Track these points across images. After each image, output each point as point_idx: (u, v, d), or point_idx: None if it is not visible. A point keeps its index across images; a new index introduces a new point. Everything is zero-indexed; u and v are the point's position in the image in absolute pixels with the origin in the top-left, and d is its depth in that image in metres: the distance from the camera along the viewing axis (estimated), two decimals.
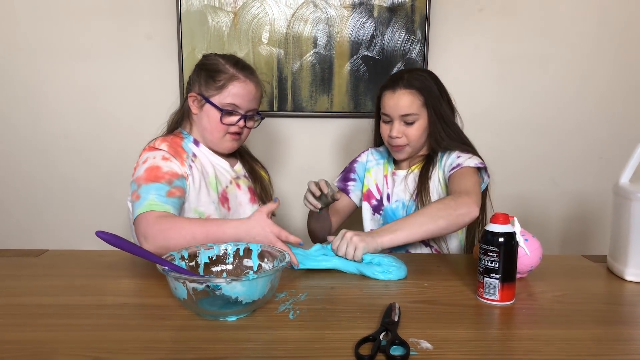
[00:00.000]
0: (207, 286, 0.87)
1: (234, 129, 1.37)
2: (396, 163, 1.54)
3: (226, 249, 1.06)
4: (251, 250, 1.05)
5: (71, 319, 0.91)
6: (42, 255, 1.27)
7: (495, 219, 0.99)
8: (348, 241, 1.17)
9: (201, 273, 1.03)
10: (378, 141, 1.58)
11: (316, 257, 1.17)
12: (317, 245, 1.21)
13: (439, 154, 1.47)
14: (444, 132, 1.43)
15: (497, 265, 0.98)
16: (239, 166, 1.48)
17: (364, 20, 1.88)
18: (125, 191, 1.90)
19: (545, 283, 1.11)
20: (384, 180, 1.52)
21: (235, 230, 1.12)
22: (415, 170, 1.48)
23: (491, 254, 0.98)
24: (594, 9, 1.93)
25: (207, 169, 1.38)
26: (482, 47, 1.94)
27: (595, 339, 0.86)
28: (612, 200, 1.18)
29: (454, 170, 1.38)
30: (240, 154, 1.51)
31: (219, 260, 1.05)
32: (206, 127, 1.37)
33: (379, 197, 1.52)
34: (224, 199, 1.38)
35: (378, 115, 1.49)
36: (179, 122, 1.44)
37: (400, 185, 1.48)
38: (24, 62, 1.89)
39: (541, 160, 2.01)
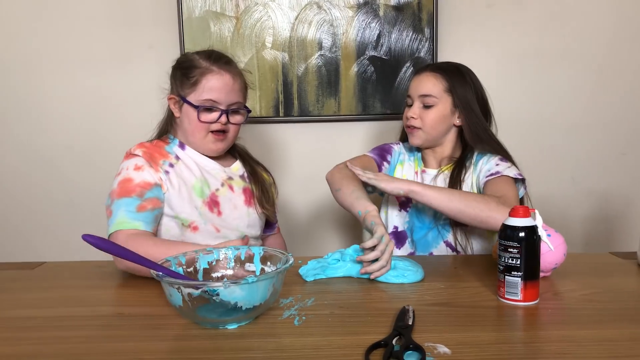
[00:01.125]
0: (204, 291, 0.80)
1: (215, 126, 1.27)
2: (424, 161, 1.47)
3: (227, 254, 0.99)
4: (253, 254, 0.99)
5: (63, 331, 0.85)
6: (39, 268, 1.22)
7: (514, 212, 0.92)
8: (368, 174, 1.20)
9: (200, 279, 0.96)
10: (405, 135, 1.50)
11: (334, 265, 1.10)
12: (337, 253, 1.13)
13: (475, 157, 1.40)
14: (477, 125, 1.37)
15: (518, 262, 0.90)
16: (236, 166, 1.40)
17: (369, 20, 1.83)
18: None
19: (572, 282, 1.03)
20: (414, 176, 1.45)
21: None
22: (446, 171, 1.41)
23: (512, 250, 0.90)
24: (607, 0, 1.86)
25: (194, 172, 1.30)
26: (493, 44, 1.88)
27: (633, 339, 0.78)
28: None
29: (492, 177, 1.31)
30: (240, 155, 1.44)
31: (220, 265, 0.99)
32: (187, 128, 1.29)
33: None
34: (213, 203, 1.30)
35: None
36: (166, 127, 1.37)
37: (431, 184, 1.41)
38: (27, 72, 1.88)
39: (560, 158, 1.93)
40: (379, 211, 1.51)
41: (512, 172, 1.32)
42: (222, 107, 1.27)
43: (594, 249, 1.96)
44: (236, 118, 1.32)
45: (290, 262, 0.89)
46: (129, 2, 1.84)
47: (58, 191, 1.93)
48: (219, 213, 1.30)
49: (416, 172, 1.46)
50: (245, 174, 1.41)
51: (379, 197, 1.53)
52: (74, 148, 1.91)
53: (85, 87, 1.88)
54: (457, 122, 1.39)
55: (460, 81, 1.37)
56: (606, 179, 1.94)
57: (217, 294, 0.80)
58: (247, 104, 1.37)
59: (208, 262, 0.98)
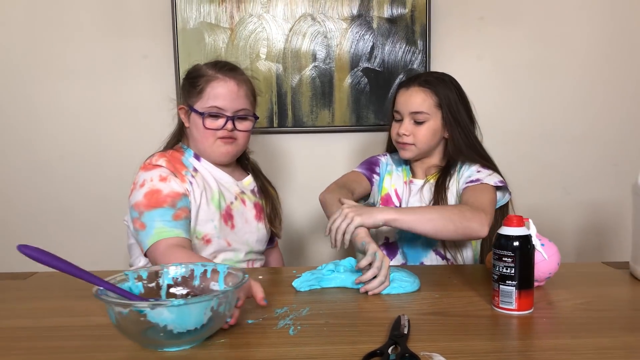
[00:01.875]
0: (133, 311, 0.74)
1: (222, 133, 1.28)
2: (413, 171, 1.47)
3: (193, 269, 0.91)
4: (218, 272, 0.90)
5: (55, 341, 0.84)
6: (30, 278, 1.21)
7: (508, 222, 0.92)
8: (344, 215, 1.12)
9: (163, 297, 0.89)
10: (392, 148, 1.51)
11: (328, 276, 1.10)
12: (331, 264, 1.13)
13: (458, 165, 1.40)
14: (461, 139, 1.37)
15: (512, 272, 0.90)
16: (248, 180, 1.41)
17: (363, 32, 1.85)
18: (121, 211, 1.85)
19: (566, 291, 1.03)
20: (404, 186, 1.45)
21: None
22: (432, 180, 1.41)
23: (506, 259, 0.91)
24: (598, 13, 1.89)
25: (211, 184, 1.30)
26: (485, 56, 1.90)
27: (627, 347, 0.78)
28: (632, 200, 1.11)
29: (471, 184, 1.32)
30: (252, 170, 1.44)
31: (185, 281, 0.91)
32: (197, 137, 1.30)
33: (398, 204, 1.44)
34: (227, 216, 1.30)
35: (392, 116, 1.44)
36: (178, 137, 1.38)
37: (416, 195, 1.41)
38: (21, 82, 1.87)
39: (551, 169, 1.95)
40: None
41: (492, 179, 1.32)
42: (228, 114, 1.27)
43: (586, 258, 1.97)
44: (243, 124, 1.31)
45: (244, 281, 0.83)
46: (123, 13, 1.84)
47: (51, 201, 1.92)
48: (233, 226, 1.31)
49: (405, 182, 1.46)
50: (256, 189, 1.41)
51: (371, 205, 1.53)
52: (67, 158, 1.90)
53: (80, 97, 1.88)
54: (447, 135, 1.40)
55: (448, 95, 1.36)
56: (598, 189, 1.96)
57: (144, 314, 0.74)
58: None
59: (173, 278, 0.91)
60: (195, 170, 1.30)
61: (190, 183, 1.26)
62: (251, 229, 1.35)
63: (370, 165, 1.49)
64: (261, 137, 1.90)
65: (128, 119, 1.89)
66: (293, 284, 1.08)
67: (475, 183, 1.32)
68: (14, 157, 1.90)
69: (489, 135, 1.83)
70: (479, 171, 1.35)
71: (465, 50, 1.89)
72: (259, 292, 0.92)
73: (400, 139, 1.38)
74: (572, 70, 1.91)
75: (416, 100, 1.35)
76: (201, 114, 1.26)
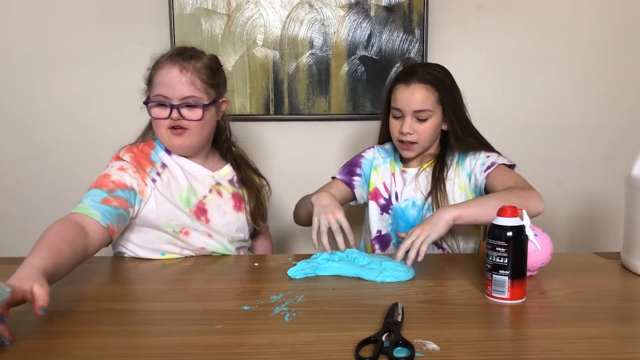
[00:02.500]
0: None
1: (168, 122, 1.22)
2: (404, 161, 1.47)
3: None
4: None
5: (50, 326, 0.85)
6: None
7: (502, 212, 0.93)
8: (415, 235, 1.11)
9: None
10: (384, 138, 1.52)
11: (324, 264, 1.11)
12: (326, 254, 1.14)
13: (457, 156, 1.41)
14: (461, 131, 1.38)
15: (506, 261, 0.92)
16: (226, 170, 1.37)
17: (360, 20, 1.84)
18: None
19: (557, 281, 1.05)
20: (391, 178, 1.45)
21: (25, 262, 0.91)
22: (427, 169, 1.41)
23: (499, 249, 0.92)
24: (595, 5, 1.89)
25: (179, 181, 1.27)
26: (482, 46, 1.90)
27: (616, 337, 0.80)
28: (625, 192, 1.12)
29: (491, 169, 1.32)
30: (235, 160, 1.41)
31: None
32: (154, 129, 1.28)
33: (387, 196, 1.44)
34: (200, 212, 1.28)
35: (387, 110, 1.43)
36: (150, 129, 1.34)
37: (410, 184, 1.42)
38: (14, 67, 1.85)
39: (546, 160, 1.96)
40: (363, 219, 1.53)
41: (504, 160, 1.34)
42: (174, 102, 1.22)
43: (578, 248, 1.99)
44: (193, 113, 1.23)
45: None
46: None
47: (46, 186, 1.91)
48: (207, 220, 1.28)
49: (393, 174, 1.45)
50: (235, 179, 1.38)
51: (362, 206, 1.54)
52: (63, 144, 1.89)
53: (75, 83, 1.86)
54: (445, 127, 1.40)
55: (447, 89, 1.36)
56: (591, 180, 1.97)
57: None
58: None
59: None
60: (164, 165, 1.28)
61: (154, 180, 1.23)
62: (229, 220, 1.32)
63: (350, 169, 1.49)
64: (257, 125, 1.90)
65: (124, 105, 1.88)
66: (288, 272, 1.09)
67: (494, 167, 1.32)
68: (9, 142, 1.89)
69: (484, 126, 1.83)
70: (488, 156, 1.36)
71: (462, 40, 1.89)
72: (39, 299, 0.80)
73: (403, 138, 1.37)
74: (568, 62, 1.92)
75: (419, 98, 1.33)
76: (145, 103, 1.24)
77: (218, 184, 1.33)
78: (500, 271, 0.92)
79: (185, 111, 1.23)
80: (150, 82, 1.26)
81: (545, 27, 1.90)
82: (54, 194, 1.91)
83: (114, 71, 1.86)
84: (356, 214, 1.58)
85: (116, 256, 1.30)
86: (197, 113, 1.24)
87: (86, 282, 1.07)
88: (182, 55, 1.24)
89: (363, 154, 1.52)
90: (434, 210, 1.36)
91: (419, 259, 1.09)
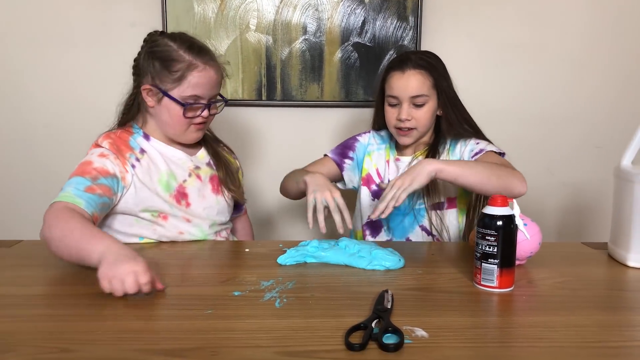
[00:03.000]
0: None
1: (197, 120, 1.26)
2: (399, 149, 1.47)
3: None
4: None
5: (40, 309, 0.85)
6: (16, 246, 1.20)
7: (493, 201, 0.94)
8: (397, 187, 1.13)
9: None
10: (377, 126, 1.51)
11: (313, 253, 1.11)
12: (315, 241, 1.13)
13: (449, 143, 1.42)
14: (455, 116, 1.39)
15: (495, 250, 0.92)
16: (202, 153, 1.37)
17: (354, 7, 1.83)
18: None
19: (545, 270, 1.06)
20: (385, 165, 1.46)
21: (102, 254, 0.93)
22: (420, 157, 1.42)
23: (489, 238, 0.93)
24: None
25: (159, 166, 1.27)
26: (476, 34, 1.89)
27: (600, 325, 0.81)
28: (613, 183, 1.13)
29: (479, 155, 1.33)
30: (204, 139, 1.39)
31: None
32: (167, 122, 1.26)
33: (378, 182, 1.45)
34: (180, 195, 1.27)
35: (381, 98, 1.43)
36: (132, 116, 1.32)
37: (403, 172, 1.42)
38: (3, 49, 1.82)
39: (536, 149, 1.97)
40: (355, 204, 1.53)
41: (493, 147, 1.36)
42: (204, 102, 1.25)
43: (566, 238, 2.01)
44: (214, 109, 1.31)
45: None
46: None
47: (35, 170, 1.89)
48: (188, 205, 1.28)
49: (387, 161, 1.46)
50: (211, 161, 1.38)
51: (353, 191, 1.54)
52: (51, 127, 1.87)
53: (64, 65, 1.84)
54: (440, 112, 1.41)
55: (440, 75, 1.38)
56: (580, 171, 1.98)
57: None
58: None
59: None
60: (143, 151, 1.26)
61: (133, 166, 1.22)
62: (210, 204, 1.32)
63: (344, 150, 1.50)
64: (249, 110, 1.89)
65: (114, 88, 1.85)
66: (278, 260, 1.09)
67: (482, 153, 1.33)
68: None
69: (475, 114, 1.84)
70: (477, 142, 1.38)
71: (456, 28, 1.88)
72: (157, 285, 0.91)
73: (401, 125, 1.37)
74: (561, 52, 1.92)
75: (415, 84, 1.34)
76: (182, 104, 1.22)
77: (197, 167, 1.33)
78: (489, 260, 0.93)
79: (211, 108, 1.29)
80: (177, 79, 1.22)
81: (539, 17, 1.89)
82: (41, 176, 1.90)
83: (103, 53, 1.84)
84: (347, 199, 1.58)
85: None
86: (218, 108, 1.32)
87: (74, 266, 1.06)
88: (211, 55, 1.27)
89: (358, 137, 1.52)
90: (424, 197, 1.37)
91: (397, 204, 1.12)
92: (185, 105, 1.22)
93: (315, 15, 1.83)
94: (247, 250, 1.20)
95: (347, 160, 1.49)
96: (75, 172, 1.16)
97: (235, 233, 1.53)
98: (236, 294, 0.91)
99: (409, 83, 1.34)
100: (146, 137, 1.29)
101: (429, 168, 1.15)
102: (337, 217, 1.14)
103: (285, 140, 1.93)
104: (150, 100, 1.26)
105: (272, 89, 1.86)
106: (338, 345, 0.72)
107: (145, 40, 1.31)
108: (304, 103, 1.88)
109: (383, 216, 1.13)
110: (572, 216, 2.02)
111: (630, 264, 1.08)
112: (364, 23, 1.83)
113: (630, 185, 1.06)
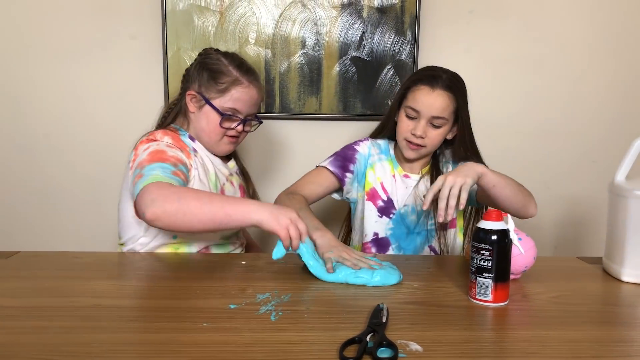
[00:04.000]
0: None
1: (232, 132, 1.34)
2: (401, 163, 1.46)
3: None
4: None
5: (37, 321, 0.85)
6: (13, 257, 1.20)
7: (487, 216, 0.95)
8: (450, 184, 1.09)
9: None
10: (383, 133, 1.48)
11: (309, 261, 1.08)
12: (310, 254, 1.08)
13: (450, 163, 1.44)
14: (466, 142, 1.40)
15: (490, 264, 0.93)
16: (232, 163, 1.45)
17: (353, 21, 1.85)
18: (105, 192, 1.85)
19: (540, 284, 1.06)
20: (392, 180, 1.43)
21: (259, 207, 1.05)
22: (426, 176, 1.43)
23: (484, 252, 0.93)
24: (587, 10, 1.91)
25: (207, 165, 1.34)
26: (473, 49, 1.91)
27: (595, 341, 0.81)
28: (608, 198, 1.14)
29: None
30: (233, 153, 1.48)
31: None
32: (204, 129, 1.33)
33: (385, 198, 1.43)
34: None
35: (397, 106, 1.41)
36: (174, 119, 1.39)
37: (412, 191, 1.42)
38: (4, 61, 1.84)
39: (533, 163, 1.98)
40: (351, 217, 1.53)
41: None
42: (242, 117, 1.34)
43: (563, 251, 2.02)
44: (249, 127, 1.39)
45: None
46: None
47: (35, 180, 1.90)
48: None
49: (393, 176, 1.44)
50: (238, 171, 1.47)
51: (346, 202, 1.53)
52: (51, 137, 1.88)
53: (65, 76, 1.85)
54: (450, 136, 1.40)
55: (465, 101, 1.37)
56: (577, 185, 2.00)
57: None
58: None
59: None
60: (194, 150, 1.33)
61: (194, 161, 1.29)
62: None
63: (344, 163, 1.44)
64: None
65: (114, 100, 1.88)
66: (273, 256, 1.07)
67: None
68: None
69: (473, 129, 1.85)
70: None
71: (453, 43, 1.90)
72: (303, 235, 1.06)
73: (413, 139, 1.36)
74: (558, 67, 1.94)
75: (441, 106, 1.33)
76: (221, 114, 1.30)
77: (230, 174, 1.41)
78: (484, 274, 0.94)
79: (246, 125, 1.37)
80: (221, 91, 1.30)
81: (536, 32, 1.92)
82: (41, 188, 1.90)
83: (104, 65, 1.85)
84: (340, 209, 1.59)
85: (103, 252, 1.30)
86: (252, 126, 1.41)
87: (72, 277, 1.07)
88: (257, 77, 1.36)
89: (357, 147, 1.47)
90: (434, 217, 1.37)
91: (461, 207, 1.09)
92: (224, 115, 1.30)
93: (314, 30, 1.85)
94: (243, 263, 1.20)
95: (348, 174, 1.44)
96: (152, 159, 1.17)
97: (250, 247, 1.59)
98: (232, 306, 0.91)
99: (436, 102, 1.33)
100: (192, 138, 1.35)
101: (478, 170, 1.15)
102: (364, 265, 1.08)
103: (283, 152, 1.94)
104: (192, 106, 1.34)
105: (271, 101, 1.87)
106: (332, 359, 0.73)
107: (199, 54, 1.40)
108: (302, 116, 1.89)
109: (449, 218, 1.09)
110: (568, 230, 2.03)
111: (625, 278, 1.08)
112: (362, 37, 1.85)
113: (624, 201, 1.07)
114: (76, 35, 1.84)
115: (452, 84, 1.35)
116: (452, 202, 1.08)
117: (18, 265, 1.15)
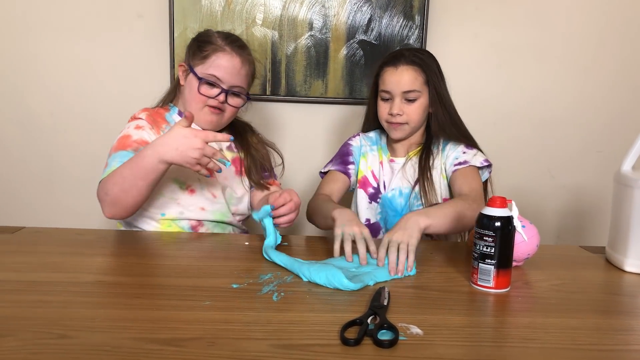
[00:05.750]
0: None
1: (212, 102, 1.31)
2: (391, 149, 1.48)
3: None
4: None
5: (40, 296, 0.86)
6: (18, 232, 1.21)
7: (492, 202, 0.94)
8: (395, 244, 1.04)
9: None
10: (369, 125, 1.52)
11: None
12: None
13: (441, 143, 1.42)
14: (444, 116, 1.39)
15: (492, 251, 0.93)
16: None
17: (361, 4, 1.83)
18: None
19: (542, 272, 1.06)
20: (380, 167, 1.47)
21: (154, 148, 1.10)
22: (413, 158, 1.43)
23: (487, 238, 0.93)
24: (594, 0, 1.89)
25: None
26: (482, 35, 1.89)
27: (595, 329, 0.81)
28: (613, 188, 1.13)
29: (460, 167, 1.35)
30: (236, 128, 1.45)
31: None
32: (187, 98, 1.34)
33: (375, 185, 1.46)
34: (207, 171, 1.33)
35: (374, 95, 1.44)
36: (172, 95, 1.42)
37: (398, 174, 1.43)
38: (10, 38, 1.83)
39: (538, 152, 1.97)
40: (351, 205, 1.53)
41: (478, 160, 1.37)
42: (224, 87, 1.31)
43: (566, 241, 2.02)
44: (235, 100, 1.35)
45: None
46: None
47: (41, 157, 1.90)
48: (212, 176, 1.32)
49: (381, 162, 1.47)
50: (232, 145, 1.44)
51: (350, 193, 1.55)
52: (55, 115, 1.88)
53: (70, 54, 1.85)
54: (431, 110, 1.41)
55: (433, 72, 1.38)
56: (581, 174, 1.99)
57: None
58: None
59: None
60: None
61: None
62: (232, 184, 1.40)
63: (343, 158, 1.49)
64: (253, 105, 1.90)
65: (120, 79, 1.87)
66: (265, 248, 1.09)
67: (464, 165, 1.35)
68: (3, 112, 1.88)
69: (479, 116, 1.84)
70: (464, 152, 1.38)
71: (462, 28, 1.89)
72: (218, 136, 1.13)
73: (392, 119, 1.38)
74: (565, 56, 1.92)
75: (407, 79, 1.36)
76: (199, 79, 1.30)
77: (220, 149, 1.40)
78: (486, 260, 0.93)
79: (230, 97, 1.33)
80: (204, 57, 1.31)
81: (544, 19, 1.90)
82: (48, 164, 1.91)
83: (111, 43, 1.85)
84: (343, 199, 1.59)
85: (105, 230, 1.30)
86: (239, 101, 1.37)
87: (76, 254, 1.07)
88: (243, 48, 1.35)
89: (350, 142, 1.52)
90: (421, 198, 1.37)
91: (409, 270, 1.02)
92: (201, 80, 1.29)
93: (321, 12, 1.83)
94: (246, 243, 1.21)
95: (350, 166, 1.48)
96: (117, 147, 1.24)
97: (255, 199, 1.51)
98: (235, 286, 0.92)
99: (402, 78, 1.35)
100: (180, 114, 1.37)
101: (421, 225, 1.09)
102: (362, 249, 1.06)
103: (288, 135, 1.93)
104: (182, 78, 1.36)
105: (277, 84, 1.86)
106: (333, 340, 0.73)
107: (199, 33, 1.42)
108: (308, 99, 1.88)
109: (399, 274, 1.01)
110: (572, 219, 2.03)
111: (627, 268, 1.08)
112: (370, 21, 1.84)
113: (630, 191, 1.07)
114: (83, 13, 1.83)
115: (416, 57, 1.37)
116: (402, 257, 1.02)
117: (22, 241, 1.16)
